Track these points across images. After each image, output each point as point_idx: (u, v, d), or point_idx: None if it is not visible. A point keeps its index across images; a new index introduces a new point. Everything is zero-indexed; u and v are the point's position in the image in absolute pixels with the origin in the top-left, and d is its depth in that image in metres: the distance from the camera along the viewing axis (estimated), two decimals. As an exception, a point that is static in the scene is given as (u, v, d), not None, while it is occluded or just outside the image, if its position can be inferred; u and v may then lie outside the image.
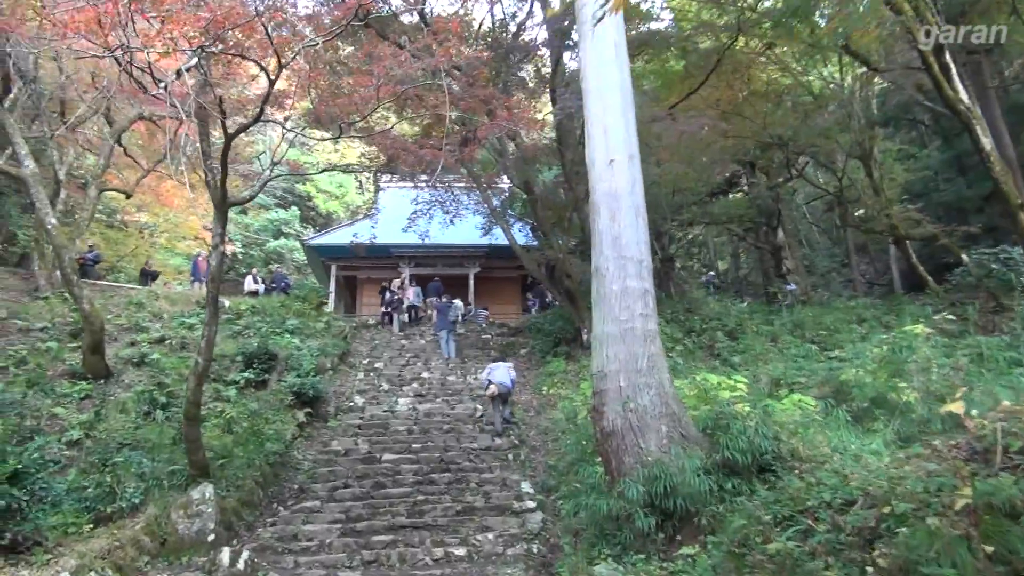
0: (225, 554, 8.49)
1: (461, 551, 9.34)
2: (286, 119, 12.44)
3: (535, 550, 9.13)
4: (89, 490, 9.72)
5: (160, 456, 10.94)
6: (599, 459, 10.73)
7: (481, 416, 15.17)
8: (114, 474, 9.86)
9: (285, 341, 17.88)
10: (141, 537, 8.84)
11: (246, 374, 15.49)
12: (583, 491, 10.67)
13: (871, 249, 35.13)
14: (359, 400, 16.13)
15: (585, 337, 18.91)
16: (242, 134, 10.73)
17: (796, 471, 6.73)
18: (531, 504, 10.81)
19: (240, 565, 8.44)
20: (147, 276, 25.05)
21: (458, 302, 23.13)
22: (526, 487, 11.57)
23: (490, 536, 9.76)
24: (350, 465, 12.55)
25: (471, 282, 28.77)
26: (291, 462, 12.82)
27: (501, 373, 14.38)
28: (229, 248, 37.18)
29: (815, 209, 37.35)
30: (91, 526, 8.93)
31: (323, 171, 19.00)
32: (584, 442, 11.71)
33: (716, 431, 8.24)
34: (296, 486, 12.02)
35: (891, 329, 18.00)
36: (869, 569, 4.27)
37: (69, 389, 13.59)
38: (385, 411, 15.49)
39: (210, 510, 9.48)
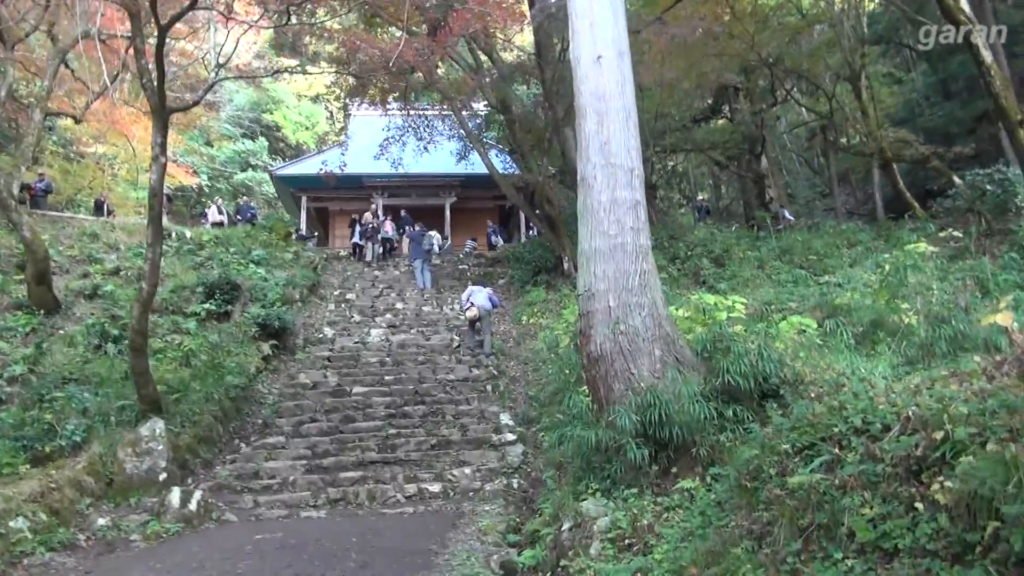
0: (175, 495, 7.71)
1: (435, 487, 8.67)
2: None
3: (515, 485, 8.46)
4: (28, 428, 8.88)
5: (109, 391, 10.09)
6: (584, 388, 10.01)
7: (458, 347, 14.42)
8: (52, 410, 8.99)
9: (250, 272, 16.87)
10: (83, 477, 8.04)
11: (207, 305, 14.53)
12: (567, 422, 9.97)
13: (852, 178, 34.61)
14: (329, 332, 15.29)
15: (566, 265, 18.15)
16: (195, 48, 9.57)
17: (812, 395, 6.00)
18: (511, 436, 10.14)
19: (192, 506, 7.68)
20: (102, 209, 23.66)
21: (435, 233, 22.17)
22: (505, 419, 10.89)
23: (467, 471, 9.09)
24: (318, 399, 11.78)
25: (447, 213, 27.72)
26: (255, 396, 12.03)
27: (481, 296, 14.07)
28: (194, 181, 35.69)
29: (796, 138, 36.51)
30: (27, 466, 8.10)
31: (275, 72, 17.67)
32: (567, 371, 11.00)
33: (714, 354, 7.50)
34: (260, 421, 11.26)
35: (879, 253, 17.52)
36: (919, 505, 3.56)
37: (14, 322, 12.60)
38: (356, 343, 14.68)
39: (161, 447, 8.69)
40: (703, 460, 6.60)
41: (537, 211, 19.44)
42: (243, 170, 38.63)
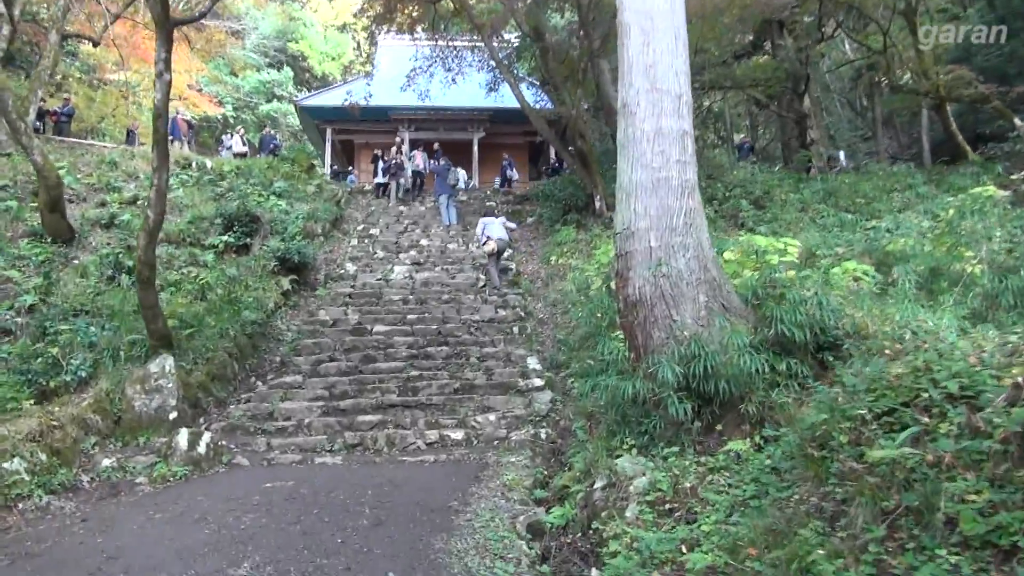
0: (183, 437, 7.29)
1: (458, 434, 8.19)
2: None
3: (543, 435, 7.93)
4: (34, 362, 8.50)
5: (119, 325, 9.66)
6: (618, 334, 9.43)
7: (483, 286, 13.83)
8: (58, 344, 8.58)
9: (270, 204, 16.31)
10: (88, 415, 7.65)
11: (225, 238, 14.06)
12: (599, 369, 9.42)
13: (896, 121, 33.15)
14: (351, 267, 14.76)
15: (598, 204, 17.38)
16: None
17: (885, 352, 5.32)
18: (538, 382, 9.59)
19: (201, 448, 7.26)
20: (133, 138, 23.11)
21: (461, 171, 21.39)
22: (533, 363, 10.34)
23: (491, 417, 8.59)
24: (337, 337, 11.31)
25: (475, 148, 26.85)
26: (272, 332, 11.59)
27: (497, 228, 13.78)
28: (219, 111, 35.04)
29: (839, 78, 34.88)
30: (32, 402, 7.72)
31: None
32: (599, 315, 10.37)
33: (765, 302, 6.81)
34: (277, 359, 10.83)
35: (933, 198, 16.55)
36: (1044, 494, 2.94)
37: (27, 251, 12.18)
38: (379, 279, 14.14)
39: (170, 385, 8.27)
40: (752, 418, 6.00)
41: (569, 147, 18.54)
42: (268, 101, 37.88)
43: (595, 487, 6.00)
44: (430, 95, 21.29)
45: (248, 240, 14.32)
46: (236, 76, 37.94)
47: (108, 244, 13.31)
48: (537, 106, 20.76)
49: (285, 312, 12.53)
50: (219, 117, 35.00)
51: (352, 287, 13.75)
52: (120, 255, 12.11)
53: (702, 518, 4.75)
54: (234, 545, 4.77)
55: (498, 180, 24.39)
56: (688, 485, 5.39)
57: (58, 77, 27.23)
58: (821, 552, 3.42)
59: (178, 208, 15.69)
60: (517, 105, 23.09)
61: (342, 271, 14.58)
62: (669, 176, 7.07)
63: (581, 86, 17.64)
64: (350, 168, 28.27)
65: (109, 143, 23.44)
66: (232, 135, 24.69)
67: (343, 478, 6.65)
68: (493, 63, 20.14)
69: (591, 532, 5.57)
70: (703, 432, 6.18)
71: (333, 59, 42.33)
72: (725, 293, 6.96)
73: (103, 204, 15.18)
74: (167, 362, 8.41)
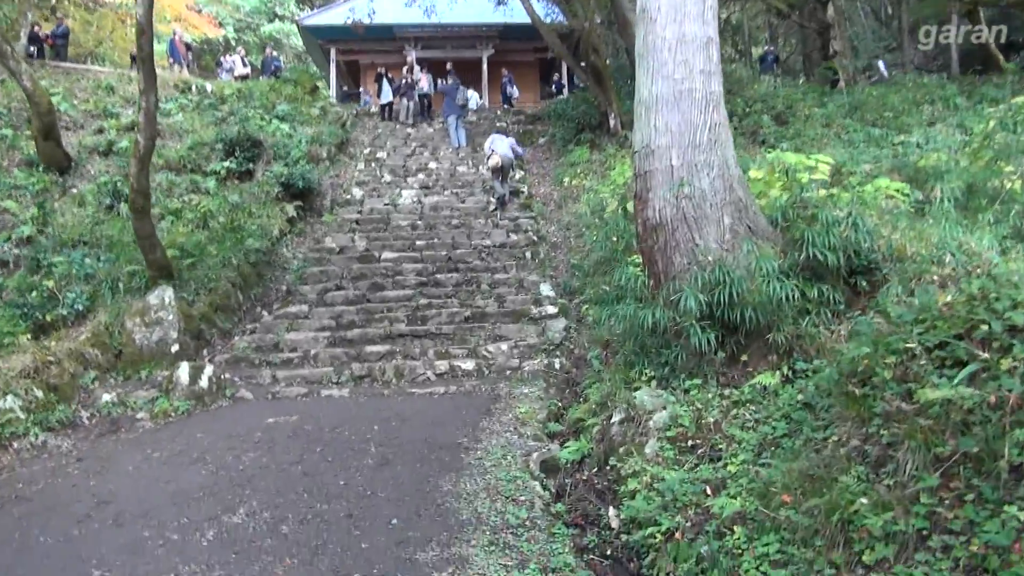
0: (183, 370, 7.05)
1: (469, 364, 7.91)
2: None
3: (557, 364, 7.62)
4: (32, 295, 8.23)
5: (119, 255, 9.35)
6: (635, 258, 9.03)
7: (494, 209, 13.37)
8: (53, 276, 8.29)
9: (273, 128, 15.74)
10: (86, 349, 7.40)
11: (227, 164, 13.57)
12: (615, 296, 9.05)
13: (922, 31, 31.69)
14: (357, 192, 14.30)
15: (612, 123, 16.69)
16: None
17: (931, 277, 4.90)
18: (552, 309, 9.25)
19: (203, 382, 7.02)
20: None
21: (471, 92, 20.58)
22: (546, 289, 9.99)
23: (503, 347, 8.28)
24: (344, 264, 10.96)
25: (484, 66, 25.86)
26: (278, 261, 11.26)
27: (503, 144, 13.36)
28: (220, 33, 33.94)
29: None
30: (28, 336, 7.47)
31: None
32: (615, 238, 9.96)
33: (795, 223, 6.36)
34: (283, 288, 10.53)
35: (960, 112, 15.79)
36: None
37: (24, 179, 11.80)
38: (386, 204, 13.70)
39: (171, 317, 7.99)
40: (780, 348, 5.64)
41: (582, 63, 17.70)
42: (270, 21, 36.61)
43: (612, 421, 5.71)
44: (436, 10, 20.36)
45: (251, 166, 13.84)
46: (236, -6, 36.61)
47: (107, 172, 12.88)
48: (548, 20, 19.81)
49: (290, 239, 12.17)
50: (220, 39, 33.90)
51: (359, 213, 13.33)
52: (119, 183, 11.69)
53: (727, 457, 4.45)
54: (231, 488, 4.53)
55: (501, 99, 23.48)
56: (711, 420, 5.09)
57: (52, 0, 26.35)
58: (865, 502, 3.09)
59: (178, 134, 15.19)
60: (527, 20, 22.12)
61: (348, 196, 14.13)
62: (692, 88, 6.53)
63: (594, -3, 16.65)
64: (361, 89, 27.36)
65: (108, 68, 22.75)
66: (232, 57, 23.82)
67: (349, 412, 6.41)
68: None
69: (608, 468, 5.31)
70: (727, 363, 5.84)
71: (336, -25, 40.65)
72: (751, 215, 6.51)
73: (100, 131, 14.67)
74: (167, 293, 8.11)
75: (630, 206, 10.98)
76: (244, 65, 22.64)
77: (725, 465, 4.35)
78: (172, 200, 12.06)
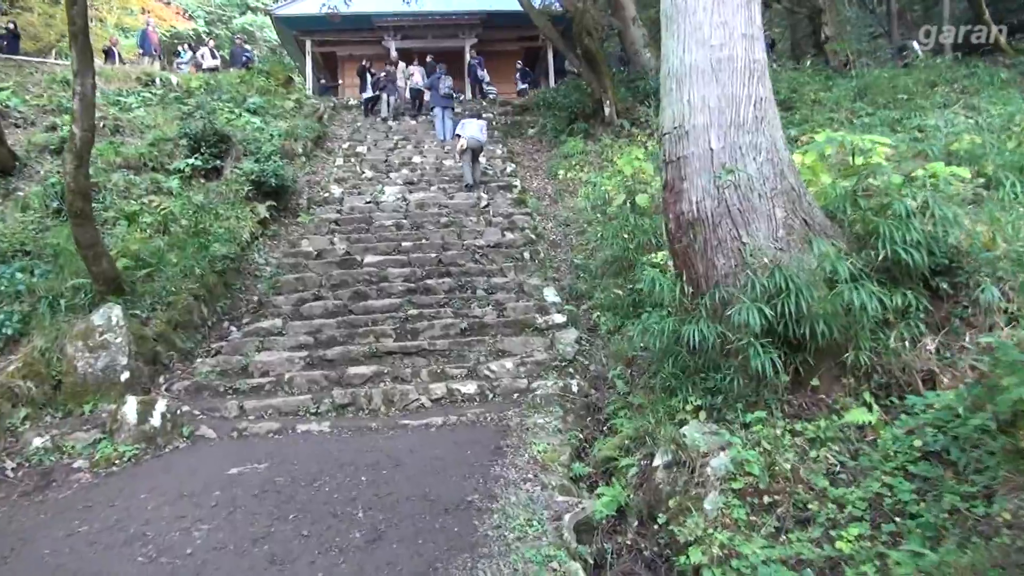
0: (130, 407, 5.86)
1: (470, 386, 6.78)
2: None
3: (574, 387, 6.50)
4: (-43, 316, 7.03)
5: (64, 266, 8.14)
6: (651, 257, 7.99)
7: (486, 206, 12.27)
8: (-20, 294, 7.09)
9: (243, 121, 14.52)
10: (15, 382, 6.23)
11: (192, 161, 12.36)
12: (628, 301, 8.01)
13: (910, 16, 31.03)
14: (336, 190, 13.13)
15: (607, 111, 15.65)
16: None
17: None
18: (559, 318, 8.15)
19: (154, 420, 5.85)
20: (112, 56, 20.84)
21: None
22: (550, 294, 8.89)
23: (508, 364, 7.17)
24: (323, 270, 9.81)
25: (467, 56, 24.70)
26: (248, 268, 10.08)
27: (472, 127, 13.05)
28: (189, 25, 32.58)
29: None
30: (-52, 369, 6.29)
31: None
32: (626, 234, 8.90)
33: (861, 215, 5.31)
34: (254, 298, 9.37)
35: (973, 93, 14.98)
36: None
37: (-40, 184, 10.55)
38: (368, 202, 12.54)
39: (119, 340, 6.81)
40: (857, 370, 4.60)
41: (575, 49, 16.61)
42: (242, 14, 35.25)
43: (655, 464, 4.62)
44: (417, -2, 19.31)
45: (218, 163, 12.62)
46: (207, -13, 35.22)
47: (57, 172, 11.63)
48: (537, 4, 18.73)
49: (263, 243, 10.99)
50: (190, 33, 32.51)
51: (338, 212, 12.17)
52: (68, 184, 10.46)
53: (823, 521, 3.39)
54: (172, 586, 3.41)
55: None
56: (787, 466, 4.03)
57: (7, -2, 25.00)
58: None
59: (139, 130, 13.95)
60: (510, 7, 21.03)
61: (326, 194, 12.97)
62: (733, 55, 5.46)
63: (587, -25, 15.53)
64: (339, 81, 26.07)
65: (67, 62, 21.34)
66: (196, 48, 22.48)
67: (330, 455, 5.28)
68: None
69: (656, 528, 4.24)
70: (792, 389, 4.79)
71: (311, -34, 39.28)
72: (806, 206, 5.45)
73: (53, 128, 13.38)
74: (114, 311, 6.94)
75: (640, 199, 9.96)
76: (213, 57, 21.32)
77: (827, 534, 3.28)
78: (129, 202, 10.85)
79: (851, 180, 5.67)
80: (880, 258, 4.83)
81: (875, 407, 4.16)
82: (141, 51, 21.27)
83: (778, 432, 4.34)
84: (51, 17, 27.09)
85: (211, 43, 22.76)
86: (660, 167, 5.88)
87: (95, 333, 6.77)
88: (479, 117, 14.61)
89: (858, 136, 6.48)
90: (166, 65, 20.95)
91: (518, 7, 18.39)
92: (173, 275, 8.55)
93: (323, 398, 6.61)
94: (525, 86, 22.24)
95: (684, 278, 5.51)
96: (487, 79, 21.49)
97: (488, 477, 4.70)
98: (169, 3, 31.41)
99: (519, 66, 22.66)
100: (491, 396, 6.67)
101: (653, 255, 8.20)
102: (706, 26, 5.49)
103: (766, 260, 5.01)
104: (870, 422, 4.03)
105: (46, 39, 26.20)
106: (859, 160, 6.14)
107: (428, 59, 20.63)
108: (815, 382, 4.71)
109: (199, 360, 7.56)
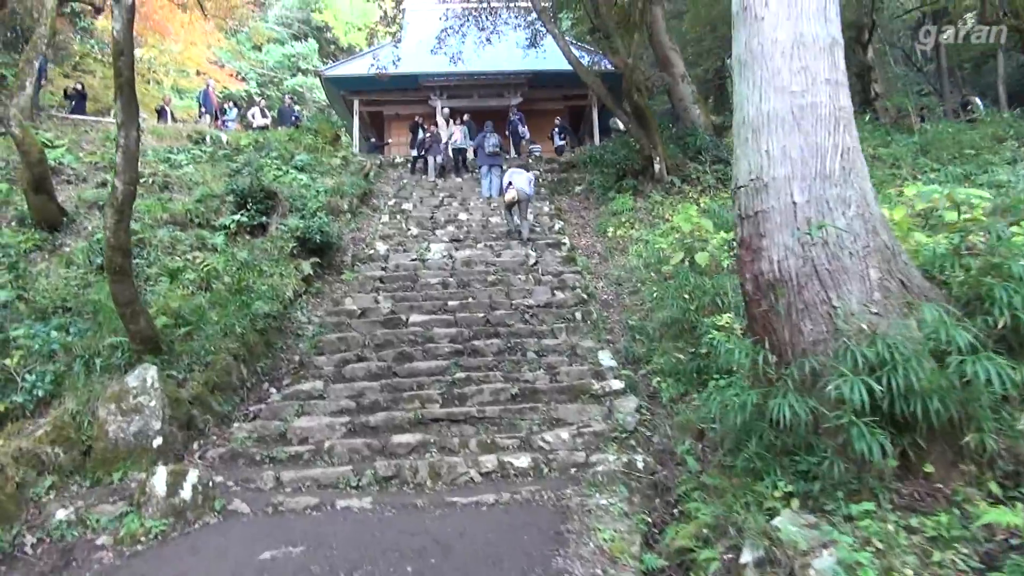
0: (160, 478, 5.44)
1: (523, 460, 6.23)
2: None
3: (640, 463, 5.90)
4: (-10, 375, 6.75)
5: (102, 324, 7.89)
6: (715, 319, 7.45)
7: (535, 264, 11.87)
8: (10, 354, 6.81)
9: (290, 178, 14.46)
10: (42, 448, 5.86)
11: (238, 217, 12.24)
12: (692, 368, 7.44)
13: (959, 74, 30.55)
14: (381, 247, 12.87)
15: (657, 167, 15.28)
16: None
17: None
18: (616, 384, 7.60)
19: (185, 492, 5.42)
20: (164, 116, 21.30)
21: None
22: (606, 358, 8.36)
23: (563, 435, 6.62)
24: (367, 330, 9.44)
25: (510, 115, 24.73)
26: (290, 327, 9.77)
27: (520, 179, 12.81)
28: (242, 87, 33.39)
29: (896, 29, 32.15)
30: (-23, 431, 5.97)
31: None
32: (687, 295, 8.38)
33: (968, 277, 4.74)
34: (296, 358, 9.02)
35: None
36: None
37: (11, 238, 10.49)
38: (414, 260, 12.23)
39: (153, 403, 6.46)
40: (979, 455, 3.98)
41: (624, 105, 16.36)
42: (293, 75, 36.10)
43: (743, 560, 4.01)
44: (463, 58, 19.42)
45: (264, 219, 12.50)
46: (259, 50, 36.19)
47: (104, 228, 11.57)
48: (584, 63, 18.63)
49: (306, 301, 10.70)
50: (243, 93, 33.34)
51: (383, 269, 11.88)
52: (113, 240, 10.35)
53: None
54: None
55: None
56: (908, 572, 3.41)
57: (75, 57, 25.94)
58: None
59: (187, 186, 13.98)
60: (556, 67, 21.01)
61: (371, 251, 12.71)
62: (816, 102, 5.01)
63: (638, 31, 15.35)
64: (387, 141, 26.26)
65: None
66: (241, 106, 22.87)
67: (372, 537, 4.77)
68: (532, 14, 18.08)
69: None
70: (901, 475, 4.17)
71: (359, 29, 40.29)
72: (902, 265, 4.90)
73: (103, 184, 13.45)
74: (149, 372, 6.60)
75: (699, 257, 9.47)
76: (264, 116, 21.63)
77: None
78: (174, 259, 10.70)
79: (949, 237, 5.11)
80: (999, 325, 4.25)
81: (1019, 506, 3.53)
82: (203, 109, 21.64)
83: (891, 528, 3.73)
84: (111, 79, 27.95)
85: (262, 102, 23.17)
86: (735, 223, 5.39)
87: (129, 395, 6.43)
88: (527, 169, 14.37)
89: (953, 189, 5.92)
90: (220, 125, 21.31)
91: (563, 66, 18.35)
92: (213, 334, 8.25)
93: (365, 469, 6.12)
94: (563, 143, 22.04)
95: (768, 345, 4.95)
96: (528, 135, 21.35)
97: (550, 571, 4.14)
98: (223, 66, 32.27)
99: (557, 122, 22.49)
100: (546, 470, 6.11)
101: (716, 317, 7.67)
102: (785, 71, 5.06)
103: (863, 326, 4.46)
104: (1016, 524, 3.40)
105: (105, 101, 27.00)
106: (950, 215, 5.58)
107: (466, 117, 20.60)
108: (928, 468, 4.10)
109: (236, 425, 7.16)
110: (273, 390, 8.22)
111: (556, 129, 22.28)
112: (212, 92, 21.67)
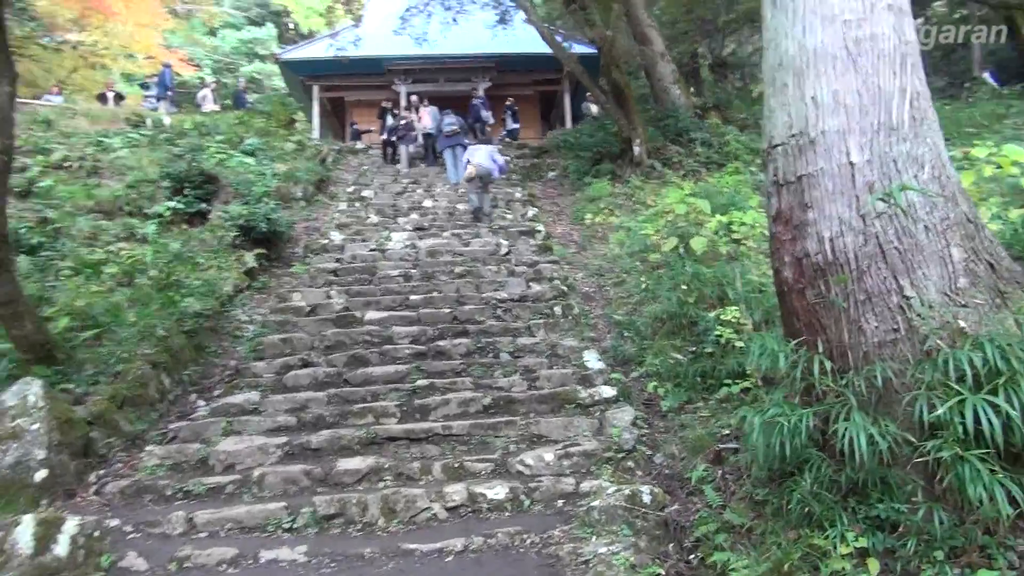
0: (24, 530, 4.13)
1: (498, 489, 5.02)
2: None
3: (646, 496, 4.69)
4: None
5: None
6: (718, 313, 6.37)
7: (507, 254, 10.70)
8: None
9: (236, 163, 13.08)
10: None
11: (173, 204, 10.91)
12: (694, 371, 6.32)
13: (932, 56, 30.21)
14: (337, 237, 11.59)
15: (636, 150, 14.23)
16: None
17: None
18: (608, 391, 6.42)
19: (60, 548, 4.14)
20: (106, 101, 19.68)
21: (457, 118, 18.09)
22: (592, 360, 7.20)
23: (547, 456, 5.43)
24: (316, 329, 8.18)
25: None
26: (227, 327, 8.46)
27: (482, 155, 12.10)
28: (192, 71, 31.70)
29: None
30: None
31: None
32: (685, 285, 7.26)
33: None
34: (232, 363, 7.74)
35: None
36: None
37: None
38: (373, 250, 10.97)
39: (36, 426, 5.16)
40: None
41: (602, 82, 15.23)
42: (250, 62, 34.43)
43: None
44: (428, 39, 18.08)
45: (203, 206, 11.19)
46: (214, 35, 34.44)
47: (23, 218, 10.17)
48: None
49: (249, 297, 9.39)
50: (196, 79, 31.63)
51: (338, 261, 10.59)
52: (20, 231, 8.99)
53: None
54: None
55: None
56: None
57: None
58: None
59: (120, 172, 12.58)
60: (526, 49, 19.82)
61: (326, 241, 11.42)
62: (877, 33, 3.87)
63: (617, 1, 14.20)
64: (355, 125, 24.79)
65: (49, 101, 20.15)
66: (203, 91, 21.37)
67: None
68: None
69: None
70: (1016, 527, 3.06)
71: (320, 15, 38.63)
72: (987, 243, 3.79)
73: (23, 169, 12.00)
74: (32, 388, 5.29)
75: (695, 242, 8.35)
76: (214, 100, 20.13)
77: None
78: (94, 250, 9.35)
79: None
80: None
81: None
82: (155, 94, 19.98)
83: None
84: (49, 63, 26.23)
85: (212, 84, 21.64)
86: (768, 192, 4.25)
87: (4, 418, 5.12)
88: (489, 143, 13.54)
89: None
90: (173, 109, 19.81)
91: (534, 49, 17.18)
92: (128, 337, 6.93)
93: (301, 506, 4.88)
94: (516, 126, 20.85)
95: (823, 348, 3.80)
96: (492, 120, 20.08)
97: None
98: (175, 51, 30.56)
99: (508, 103, 21.18)
100: (527, 503, 4.92)
101: (721, 311, 6.58)
102: (835, -7, 3.92)
103: (947, 321, 3.34)
104: None
105: (45, 86, 25.30)
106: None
107: (426, 102, 19.27)
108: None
109: (148, 448, 5.86)
110: (201, 402, 6.93)
111: (507, 111, 21.00)
112: (169, 73, 20.15)
